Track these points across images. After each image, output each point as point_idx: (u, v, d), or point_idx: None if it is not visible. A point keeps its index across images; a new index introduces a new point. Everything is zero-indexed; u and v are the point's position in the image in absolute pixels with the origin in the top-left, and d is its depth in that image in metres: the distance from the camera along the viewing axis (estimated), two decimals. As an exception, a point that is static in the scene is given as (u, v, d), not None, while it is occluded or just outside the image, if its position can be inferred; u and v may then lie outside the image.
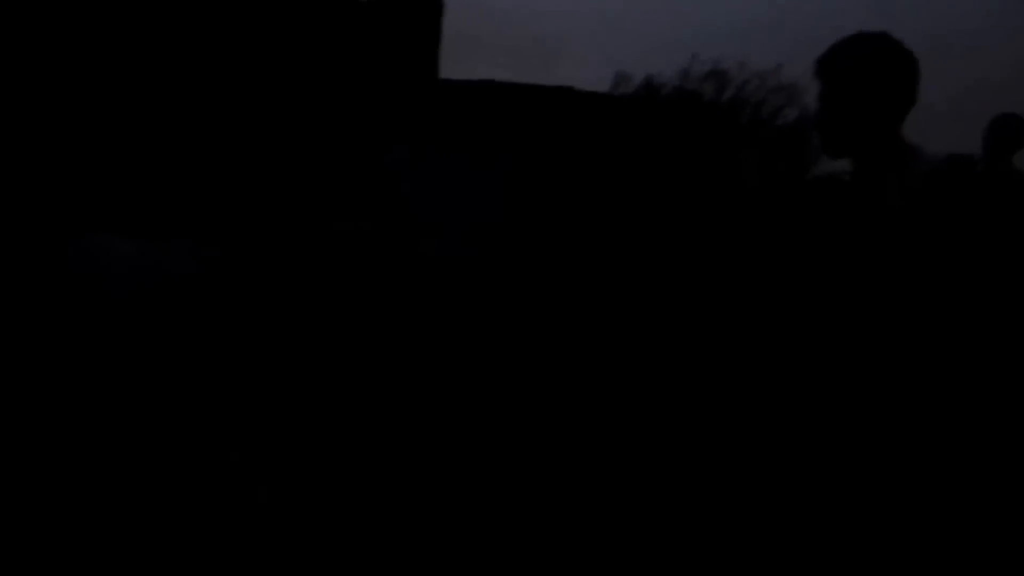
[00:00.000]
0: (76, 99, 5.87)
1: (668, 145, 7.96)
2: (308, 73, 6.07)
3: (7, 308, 4.22)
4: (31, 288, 4.47)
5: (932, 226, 1.85)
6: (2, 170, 5.48)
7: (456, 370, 4.78)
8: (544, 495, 3.01)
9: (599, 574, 2.49)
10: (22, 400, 3.52)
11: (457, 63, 27.13)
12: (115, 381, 3.83)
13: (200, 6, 6.07)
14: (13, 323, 4.12)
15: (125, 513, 2.75)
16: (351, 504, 2.97)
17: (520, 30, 39.82)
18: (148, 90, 6.01)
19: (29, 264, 4.70)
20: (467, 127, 6.40)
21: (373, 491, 3.06)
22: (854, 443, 1.91)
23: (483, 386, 4.49)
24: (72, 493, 2.89)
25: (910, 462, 1.86)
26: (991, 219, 1.88)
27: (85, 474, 3.05)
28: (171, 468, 3.15)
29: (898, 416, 1.85)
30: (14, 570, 2.42)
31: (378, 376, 4.40)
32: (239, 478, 3.10)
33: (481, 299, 5.78)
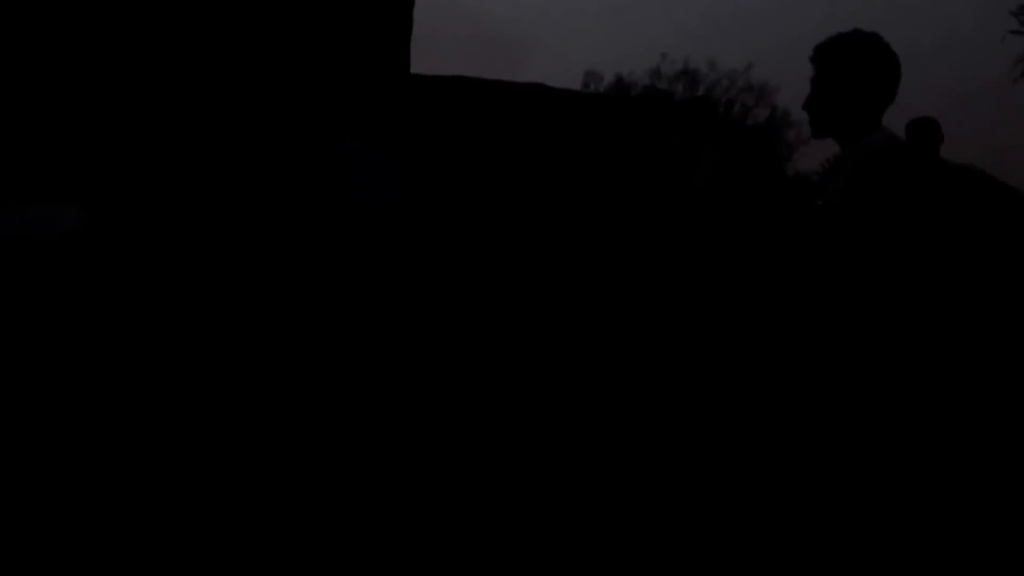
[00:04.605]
0: None
1: (639, 144, 7.92)
2: (267, 60, 5.93)
3: None
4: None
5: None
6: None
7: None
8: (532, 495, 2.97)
9: (599, 574, 2.44)
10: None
11: (425, 62, 27.10)
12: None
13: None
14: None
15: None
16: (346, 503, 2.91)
17: (489, 31, 39.76)
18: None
19: None
20: (436, 121, 6.28)
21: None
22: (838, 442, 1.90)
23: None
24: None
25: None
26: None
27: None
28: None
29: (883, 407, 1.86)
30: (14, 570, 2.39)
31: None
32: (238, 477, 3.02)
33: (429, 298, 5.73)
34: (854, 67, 2.01)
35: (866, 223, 1.90)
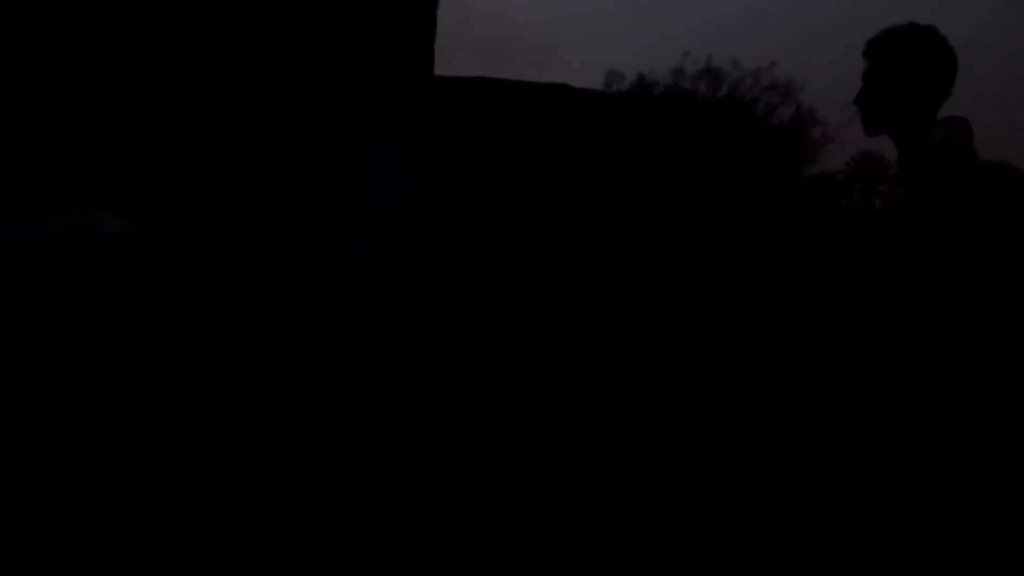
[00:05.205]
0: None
1: (662, 143, 7.91)
2: (292, 62, 5.99)
3: None
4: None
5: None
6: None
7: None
8: (537, 495, 2.98)
9: (599, 574, 2.44)
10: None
11: (449, 64, 27.21)
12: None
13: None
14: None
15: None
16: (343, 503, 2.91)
17: (512, 33, 39.75)
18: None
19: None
20: (460, 122, 6.31)
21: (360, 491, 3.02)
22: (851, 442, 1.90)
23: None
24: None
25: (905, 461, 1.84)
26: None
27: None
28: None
29: (897, 408, 1.85)
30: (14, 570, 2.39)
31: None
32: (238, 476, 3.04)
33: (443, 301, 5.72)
34: (911, 61, 1.95)
35: (945, 223, 1.84)
